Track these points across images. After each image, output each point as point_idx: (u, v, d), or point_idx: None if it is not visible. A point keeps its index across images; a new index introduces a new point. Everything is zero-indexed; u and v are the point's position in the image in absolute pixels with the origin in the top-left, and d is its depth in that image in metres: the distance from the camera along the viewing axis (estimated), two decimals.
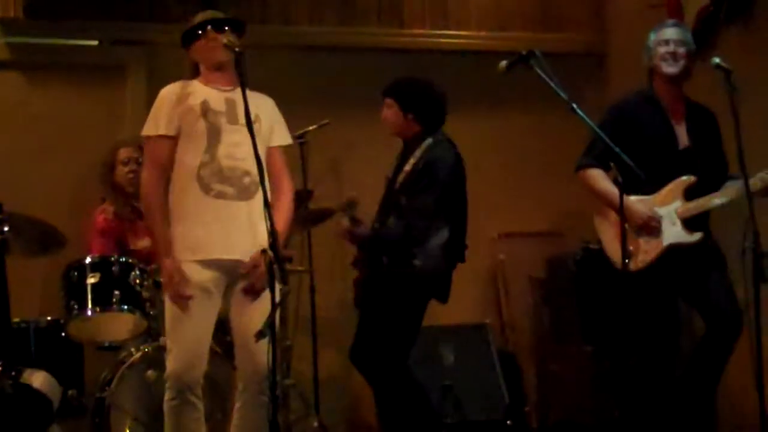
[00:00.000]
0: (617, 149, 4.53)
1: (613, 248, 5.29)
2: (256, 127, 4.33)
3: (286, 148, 4.88)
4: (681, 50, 5.25)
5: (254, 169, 4.31)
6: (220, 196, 4.53)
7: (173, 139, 4.61)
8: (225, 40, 4.48)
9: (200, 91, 4.65)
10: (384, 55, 7.31)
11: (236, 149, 4.54)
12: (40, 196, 6.53)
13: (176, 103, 4.62)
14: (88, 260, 5.52)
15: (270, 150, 4.74)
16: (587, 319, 6.72)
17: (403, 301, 5.34)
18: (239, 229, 4.53)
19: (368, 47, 7.41)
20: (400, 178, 5.39)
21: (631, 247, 5.14)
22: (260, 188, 4.25)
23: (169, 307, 4.56)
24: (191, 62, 4.75)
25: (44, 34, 7.00)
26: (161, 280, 4.64)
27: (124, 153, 6.07)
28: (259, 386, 4.49)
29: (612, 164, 4.58)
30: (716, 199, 5.12)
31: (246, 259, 4.51)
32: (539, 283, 7.41)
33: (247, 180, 4.54)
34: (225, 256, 4.54)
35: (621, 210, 4.62)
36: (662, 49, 5.27)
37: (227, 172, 4.54)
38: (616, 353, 6.30)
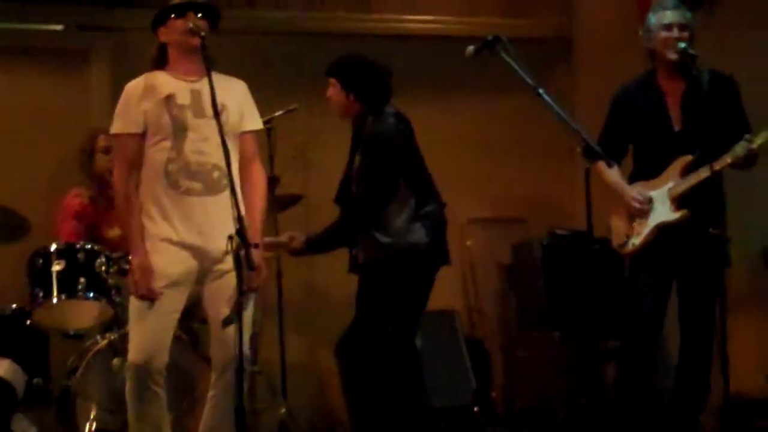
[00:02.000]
0: (584, 134, 4.51)
1: (615, 232, 5.37)
2: (223, 117, 4.33)
3: (257, 133, 4.83)
4: (684, 34, 5.15)
5: (223, 162, 4.29)
6: (189, 192, 4.50)
7: (141, 136, 4.56)
8: (191, 24, 4.45)
9: (165, 84, 4.59)
10: (351, 40, 7.27)
11: (204, 143, 4.50)
12: (3, 183, 6.47)
13: (141, 99, 4.56)
14: (53, 247, 5.50)
15: (241, 136, 4.68)
16: (554, 304, 6.75)
17: (394, 281, 5.30)
18: (210, 225, 4.49)
19: (335, 32, 7.37)
20: (355, 167, 5.35)
21: (628, 232, 5.25)
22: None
23: (133, 297, 4.54)
24: (157, 47, 4.68)
25: (7, 18, 6.93)
26: (129, 277, 4.58)
27: (103, 141, 5.99)
28: (232, 375, 4.40)
29: (577, 149, 4.57)
30: (694, 177, 5.06)
31: (218, 254, 4.46)
32: (506, 268, 7.42)
33: (216, 174, 4.50)
34: (198, 244, 4.52)
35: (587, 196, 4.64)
36: (664, 34, 5.18)
37: (195, 167, 4.50)
38: (583, 338, 6.34)
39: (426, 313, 5.61)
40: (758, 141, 4.90)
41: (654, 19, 5.25)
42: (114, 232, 5.93)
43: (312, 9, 7.42)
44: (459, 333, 6.81)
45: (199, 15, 4.54)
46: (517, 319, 7.29)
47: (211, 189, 4.51)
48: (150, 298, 4.45)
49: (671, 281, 5.25)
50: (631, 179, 5.34)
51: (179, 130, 4.51)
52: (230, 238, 4.03)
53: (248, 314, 4.49)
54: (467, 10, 7.69)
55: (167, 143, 4.52)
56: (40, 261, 5.47)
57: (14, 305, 5.70)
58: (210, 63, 4.35)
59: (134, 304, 4.53)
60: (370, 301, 5.33)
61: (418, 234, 5.27)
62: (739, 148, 4.91)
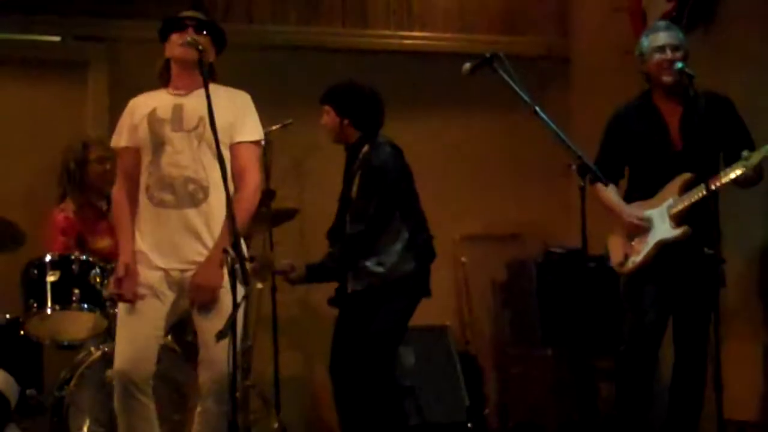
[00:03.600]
0: (580, 153, 4.52)
1: (613, 251, 5.36)
2: (199, 130, 4.38)
3: (253, 144, 4.72)
4: (678, 55, 5.15)
5: (200, 175, 4.36)
6: (161, 204, 4.50)
7: (135, 150, 4.60)
8: (189, 38, 4.46)
9: (154, 100, 4.63)
10: (348, 55, 7.30)
11: (179, 156, 4.49)
12: None
13: (134, 114, 4.62)
14: (47, 258, 5.48)
15: (233, 147, 4.61)
16: (548, 321, 6.75)
17: (380, 311, 5.39)
18: (181, 238, 4.48)
19: (332, 47, 7.40)
20: (353, 190, 5.41)
21: (626, 251, 5.24)
22: (210, 195, 4.38)
23: (120, 307, 4.55)
24: (163, 62, 4.70)
25: (5, 29, 6.94)
26: (113, 277, 4.57)
27: (97, 152, 5.98)
28: (220, 392, 4.36)
29: (572, 167, 4.56)
30: (694, 195, 5.06)
31: (191, 268, 4.47)
32: (500, 286, 7.42)
33: (191, 187, 4.48)
34: (168, 266, 4.51)
35: (583, 212, 4.65)
36: (658, 56, 5.18)
37: (168, 180, 4.49)
38: (576, 356, 6.34)
39: (420, 330, 5.66)
40: (753, 160, 4.90)
41: (647, 42, 5.25)
42: (102, 243, 5.92)
43: (309, 24, 7.44)
44: (452, 349, 6.80)
45: (204, 32, 4.58)
46: (510, 336, 7.29)
47: (184, 202, 4.48)
48: (130, 299, 4.45)
49: (672, 297, 5.23)
50: (626, 199, 5.35)
51: (158, 144, 4.52)
52: (225, 252, 4.02)
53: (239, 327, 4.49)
54: (464, 27, 7.71)
55: (148, 157, 4.55)
56: (35, 272, 5.46)
57: (8, 315, 5.68)
58: (205, 75, 4.34)
59: (120, 314, 4.54)
60: (359, 331, 5.41)
61: (409, 264, 5.35)
62: (739, 167, 4.92)
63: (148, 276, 4.49)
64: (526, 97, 4.41)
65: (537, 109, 4.41)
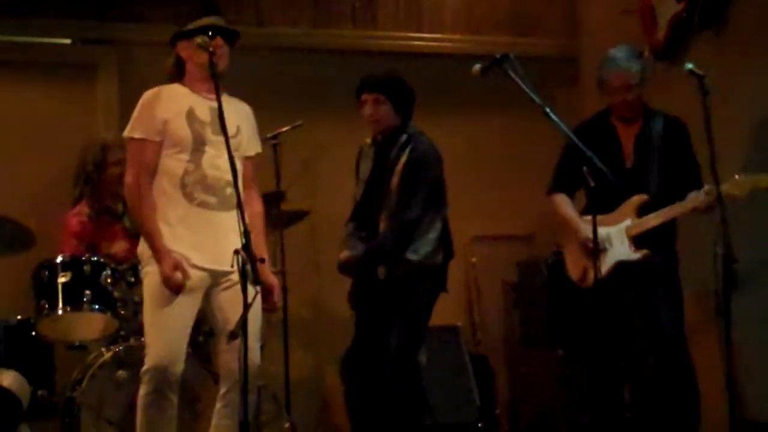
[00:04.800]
0: (590, 153, 4.54)
1: (571, 266, 5.53)
2: (238, 139, 4.50)
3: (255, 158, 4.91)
4: (634, 93, 5.31)
5: (233, 181, 4.36)
6: (203, 205, 4.56)
7: (158, 144, 4.61)
8: (199, 40, 4.48)
9: (185, 97, 4.65)
10: (357, 57, 7.31)
11: (220, 160, 4.51)
12: (9, 196, 6.49)
13: (161, 108, 4.61)
14: (59, 259, 5.50)
15: (245, 160, 4.77)
16: (557, 322, 6.74)
17: (412, 299, 5.39)
18: (224, 240, 4.50)
19: (342, 49, 7.41)
20: (395, 179, 5.39)
21: (586, 266, 5.36)
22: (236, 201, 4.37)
23: (149, 304, 4.57)
24: (173, 60, 4.73)
25: (15, 32, 6.96)
26: (162, 274, 4.52)
27: (116, 155, 5.95)
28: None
29: (585, 168, 4.59)
30: (654, 219, 5.21)
31: (227, 268, 4.45)
32: (511, 286, 7.42)
33: (229, 191, 4.53)
34: (212, 267, 4.56)
35: (594, 218, 4.67)
36: (615, 94, 5.34)
37: (211, 182, 4.56)
38: (585, 357, 6.33)
39: (430, 329, 5.64)
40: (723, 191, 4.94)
41: (605, 75, 5.37)
42: (116, 247, 5.94)
43: (320, 26, 7.45)
44: (463, 350, 6.80)
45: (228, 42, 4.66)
46: (521, 336, 7.29)
47: (224, 204, 4.56)
48: (179, 289, 4.47)
49: (633, 313, 5.39)
50: (584, 213, 5.43)
51: (198, 145, 4.57)
52: (236, 252, 4.03)
53: (257, 327, 4.51)
54: (473, 28, 7.72)
55: (185, 155, 4.57)
56: (46, 273, 5.48)
57: (19, 317, 5.70)
58: (216, 78, 4.36)
59: (150, 309, 4.55)
60: (391, 319, 5.38)
61: (439, 256, 5.38)
62: (700, 199, 5.03)
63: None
64: (536, 98, 4.43)
65: (547, 109, 4.43)
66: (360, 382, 5.52)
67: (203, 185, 4.55)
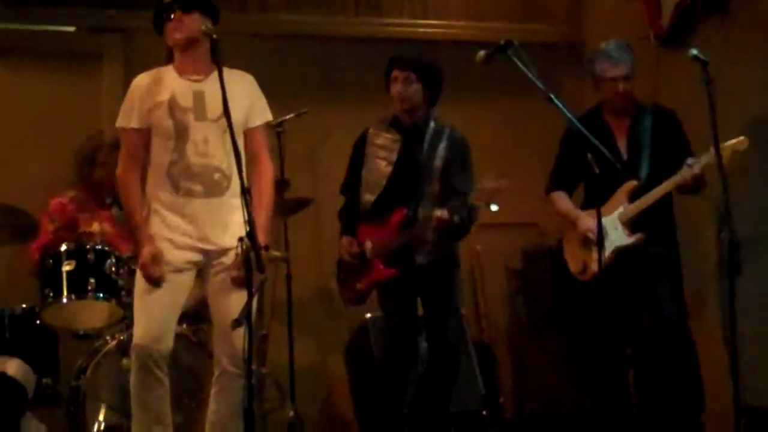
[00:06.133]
0: (594, 140, 4.54)
1: (570, 260, 5.58)
2: (224, 121, 4.35)
3: (266, 126, 4.84)
4: (628, 85, 5.36)
5: (224, 164, 4.38)
6: (189, 193, 4.55)
7: (145, 132, 4.62)
8: (203, 27, 4.47)
9: (170, 83, 4.63)
10: (362, 44, 7.30)
11: (206, 146, 4.54)
12: (14, 185, 6.49)
13: (146, 96, 4.62)
14: (63, 247, 5.51)
15: (249, 131, 4.71)
16: (561, 310, 6.74)
17: (453, 281, 5.49)
18: (210, 226, 4.54)
19: (346, 36, 7.40)
20: (437, 163, 5.36)
21: (584, 259, 5.41)
22: (231, 182, 4.42)
23: (138, 281, 4.59)
24: (167, 48, 4.73)
25: (19, 19, 6.95)
26: (138, 264, 4.59)
27: (104, 156, 6.00)
28: (235, 371, 4.48)
29: (589, 156, 4.57)
30: (644, 201, 5.25)
31: (218, 251, 4.55)
32: (515, 273, 7.42)
33: (217, 176, 4.54)
34: (201, 246, 4.57)
35: (598, 210, 4.68)
36: (609, 87, 5.39)
37: (196, 169, 4.54)
38: (589, 345, 6.33)
39: None
40: (695, 168, 5.03)
41: (599, 68, 5.42)
42: (95, 227, 5.93)
43: (324, 13, 7.43)
44: (467, 338, 6.79)
45: (191, 11, 4.61)
46: (525, 324, 7.29)
47: (212, 191, 4.55)
48: (157, 282, 4.49)
49: (635, 299, 5.39)
50: (583, 208, 5.51)
51: (181, 133, 4.56)
52: (240, 240, 4.03)
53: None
54: (478, 15, 7.70)
55: (170, 144, 4.56)
56: (50, 261, 5.49)
57: (24, 305, 5.70)
58: (220, 64, 4.34)
59: (138, 287, 4.58)
60: (435, 304, 5.44)
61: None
62: (683, 173, 5.07)
63: (169, 257, 4.54)
64: (540, 85, 4.42)
65: (552, 96, 4.42)
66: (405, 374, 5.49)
67: (188, 174, 4.54)
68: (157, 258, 4.50)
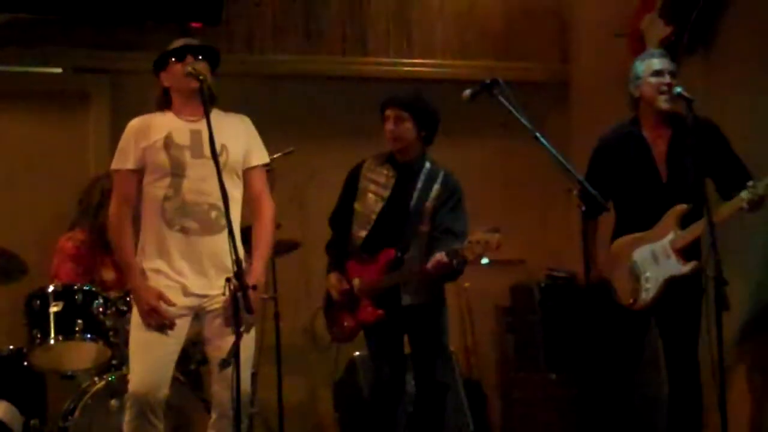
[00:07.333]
0: (580, 178, 4.54)
1: (621, 293, 5.25)
2: (222, 158, 4.36)
3: (264, 167, 4.84)
4: (674, 81, 5.15)
5: (221, 202, 4.34)
6: (184, 231, 4.54)
7: (137, 172, 4.62)
8: (189, 68, 4.48)
9: (165, 123, 4.64)
10: (348, 83, 7.33)
11: (202, 183, 4.53)
12: (1, 225, 6.48)
13: (141, 137, 4.61)
14: (50, 288, 5.49)
15: (248, 171, 4.72)
16: (552, 346, 6.74)
17: (439, 321, 5.50)
18: (206, 264, 4.53)
19: (332, 75, 7.42)
20: (428, 204, 5.35)
21: (634, 287, 5.18)
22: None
23: (134, 328, 4.56)
24: (160, 90, 4.72)
25: (7, 60, 6.96)
26: (138, 308, 4.54)
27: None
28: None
29: (573, 192, 4.55)
30: (698, 228, 5.02)
31: (215, 292, 4.49)
32: (504, 310, 7.42)
33: (214, 214, 4.53)
34: (196, 292, 4.55)
35: (586, 242, 4.67)
36: (654, 80, 5.19)
37: (191, 207, 4.54)
38: (580, 380, 6.32)
39: None
40: (759, 190, 4.86)
41: (642, 66, 5.25)
42: (108, 275, 5.92)
43: (310, 53, 7.46)
44: (456, 374, 6.79)
45: (199, 57, 4.59)
46: (514, 361, 7.28)
47: (208, 229, 4.54)
48: (161, 321, 4.46)
49: (649, 319, 5.28)
50: (617, 231, 5.33)
51: (178, 170, 4.55)
52: (228, 280, 4.04)
53: (248, 355, 4.51)
54: (463, 53, 7.73)
55: (165, 181, 4.56)
56: (38, 302, 5.47)
57: (11, 346, 5.69)
58: (208, 104, 4.37)
59: (135, 333, 4.54)
60: (421, 345, 5.43)
61: None
62: (745, 196, 4.88)
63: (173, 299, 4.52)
64: (526, 123, 4.42)
65: (537, 134, 4.42)
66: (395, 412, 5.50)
67: (183, 211, 4.53)
68: (150, 291, 4.48)
